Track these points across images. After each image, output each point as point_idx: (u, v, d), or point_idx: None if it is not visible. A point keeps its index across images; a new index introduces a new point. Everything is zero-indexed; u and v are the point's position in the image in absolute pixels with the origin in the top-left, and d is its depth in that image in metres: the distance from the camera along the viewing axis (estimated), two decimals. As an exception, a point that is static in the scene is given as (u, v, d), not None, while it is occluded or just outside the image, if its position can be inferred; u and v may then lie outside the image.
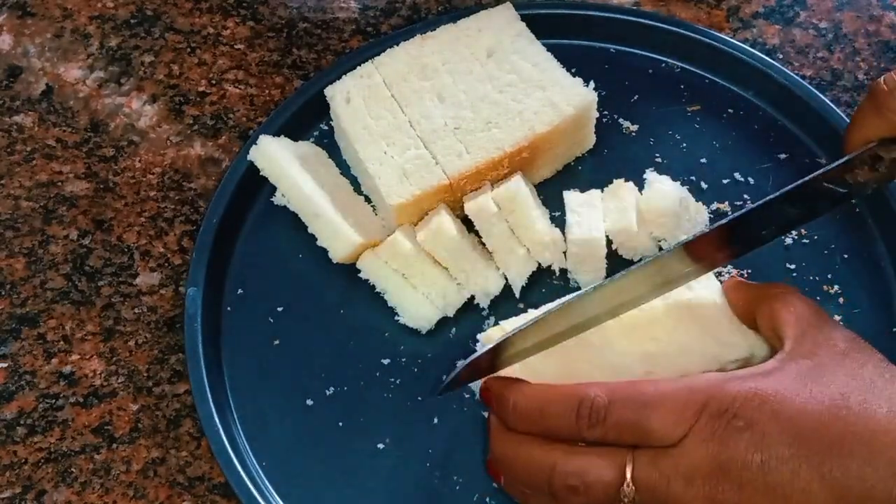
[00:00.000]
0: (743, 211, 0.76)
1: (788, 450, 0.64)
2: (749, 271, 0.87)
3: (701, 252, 0.76)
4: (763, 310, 0.74)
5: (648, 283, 0.76)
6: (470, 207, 0.85)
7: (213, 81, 1.02)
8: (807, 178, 0.76)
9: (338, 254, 0.87)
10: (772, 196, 0.75)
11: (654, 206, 0.86)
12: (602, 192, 0.89)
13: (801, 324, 0.71)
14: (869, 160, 0.77)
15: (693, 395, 0.66)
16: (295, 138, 0.95)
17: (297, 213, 0.89)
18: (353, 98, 0.90)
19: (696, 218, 0.89)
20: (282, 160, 0.88)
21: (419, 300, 0.85)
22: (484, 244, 0.87)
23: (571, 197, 0.88)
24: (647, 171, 0.90)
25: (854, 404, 0.65)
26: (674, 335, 0.77)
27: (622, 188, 0.89)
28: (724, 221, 0.75)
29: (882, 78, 0.77)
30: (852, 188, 0.77)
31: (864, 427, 0.64)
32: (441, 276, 0.85)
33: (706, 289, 0.79)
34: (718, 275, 0.86)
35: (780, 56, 1.02)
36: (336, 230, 0.86)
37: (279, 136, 0.94)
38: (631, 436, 0.67)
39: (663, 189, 0.87)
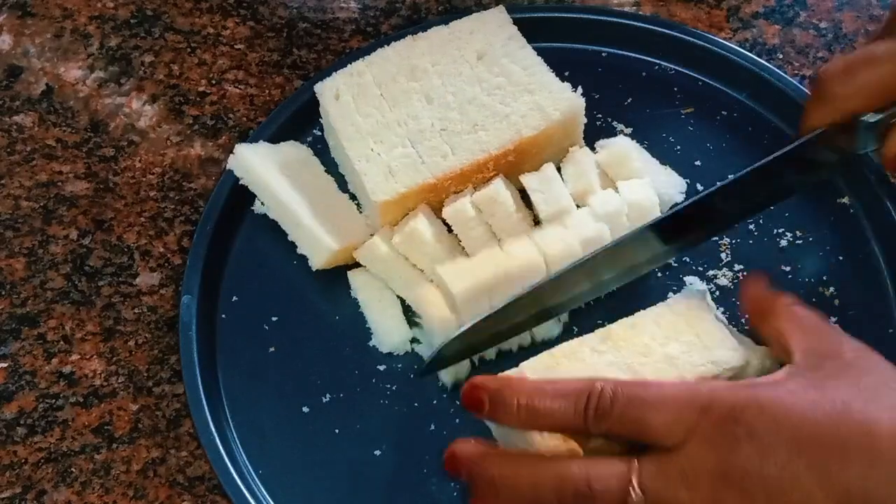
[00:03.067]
0: (711, 189, 0.80)
1: (789, 457, 0.64)
2: (743, 270, 0.88)
3: (671, 232, 0.80)
4: (768, 327, 0.74)
5: (617, 266, 0.79)
6: (447, 212, 0.86)
7: (213, 81, 1.02)
8: (766, 160, 0.80)
9: (315, 261, 0.87)
10: (738, 175, 0.80)
11: (637, 210, 0.87)
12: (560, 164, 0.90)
13: (808, 338, 0.71)
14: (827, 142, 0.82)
15: (695, 397, 0.67)
16: (292, 138, 0.95)
17: (277, 221, 0.90)
18: (342, 95, 0.91)
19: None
20: (259, 169, 0.89)
21: (390, 325, 0.86)
22: (465, 246, 0.88)
23: (528, 179, 0.87)
24: (618, 181, 0.89)
25: (855, 412, 0.64)
26: (665, 347, 0.77)
27: (578, 153, 0.89)
28: (690, 201, 0.80)
29: (824, 66, 0.81)
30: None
31: (866, 434, 0.63)
32: (419, 279, 0.86)
33: (696, 298, 0.79)
34: (708, 282, 0.87)
35: (780, 56, 1.02)
36: (313, 238, 0.86)
37: (279, 135, 0.95)
38: (632, 432, 0.67)
39: (641, 193, 0.87)
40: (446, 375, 0.83)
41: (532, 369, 0.75)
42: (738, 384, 0.68)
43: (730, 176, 0.81)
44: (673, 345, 0.76)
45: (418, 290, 0.85)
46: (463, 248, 0.87)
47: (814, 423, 0.64)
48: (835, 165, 0.85)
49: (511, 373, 0.75)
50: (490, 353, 0.85)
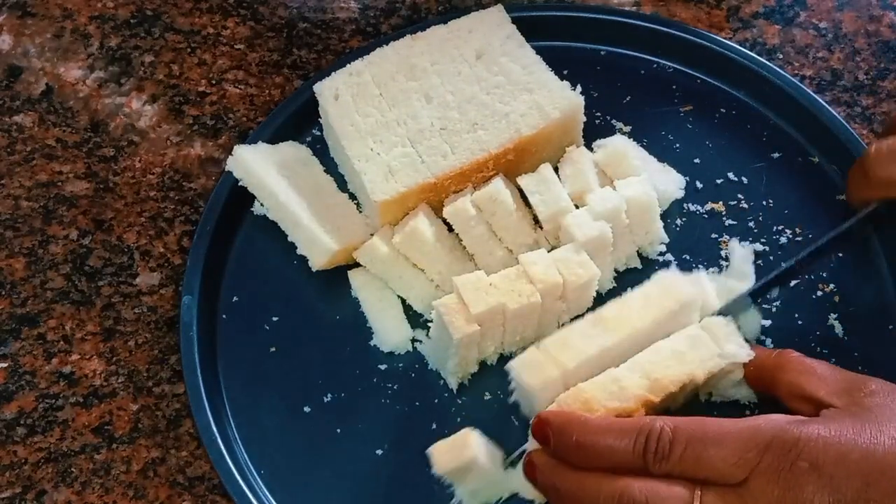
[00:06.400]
0: (763, 281, 0.83)
1: (856, 493, 0.64)
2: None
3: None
4: (781, 384, 0.74)
5: None
6: (448, 211, 0.86)
7: (213, 81, 1.02)
8: (813, 247, 0.82)
9: (315, 261, 0.87)
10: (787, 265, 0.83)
11: (636, 206, 0.87)
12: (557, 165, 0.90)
13: (830, 381, 0.72)
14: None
15: (756, 434, 0.67)
16: (291, 138, 0.95)
17: (276, 222, 0.90)
18: (341, 94, 0.91)
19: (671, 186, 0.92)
20: (258, 170, 0.89)
21: (391, 324, 0.86)
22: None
23: (525, 181, 0.87)
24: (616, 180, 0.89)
25: None
26: (674, 342, 0.78)
27: (574, 153, 0.89)
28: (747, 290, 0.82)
29: (872, 146, 0.81)
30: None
31: None
32: (419, 278, 0.86)
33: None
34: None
35: (780, 56, 1.02)
36: (312, 238, 0.86)
37: (279, 135, 0.95)
38: (695, 471, 0.67)
39: (640, 189, 0.87)
40: (452, 377, 0.83)
41: (521, 366, 0.76)
42: (796, 420, 0.68)
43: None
44: (681, 343, 0.77)
45: (438, 297, 0.83)
46: (464, 248, 0.87)
47: (878, 458, 0.65)
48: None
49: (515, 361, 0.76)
50: (492, 358, 0.85)
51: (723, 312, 0.81)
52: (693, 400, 0.80)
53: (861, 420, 0.67)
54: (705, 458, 0.66)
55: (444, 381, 0.84)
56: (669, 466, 0.67)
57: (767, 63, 0.97)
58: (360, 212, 0.91)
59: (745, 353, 0.77)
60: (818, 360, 0.74)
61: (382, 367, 0.85)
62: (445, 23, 0.94)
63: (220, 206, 0.91)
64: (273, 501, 0.79)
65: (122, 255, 0.92)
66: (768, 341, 0.84)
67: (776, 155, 0.94)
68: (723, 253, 0.89)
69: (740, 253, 0.88)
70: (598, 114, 0.96)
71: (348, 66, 0.92)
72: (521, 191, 0.88)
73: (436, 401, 0.83)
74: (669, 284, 0.81)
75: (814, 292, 0.87)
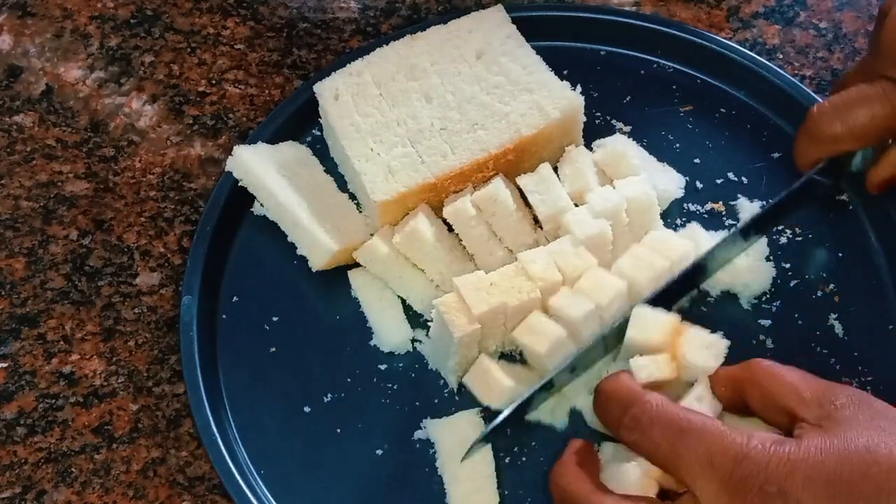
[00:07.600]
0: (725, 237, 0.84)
1: None
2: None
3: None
4: (754, 395, 0.73)
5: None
6: (448, 211, 0.86)
7: (213, 81, 1.02)
8: (769, 206, 0.86)
9: (316, 262, 0.87)
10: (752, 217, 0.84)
11: (636, 206, 0.87)
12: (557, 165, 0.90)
13: (800, 390, 0.70)
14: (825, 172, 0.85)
15: (728, 445, 0.66)
16: (291, 138, 0.95)
17: (276, 222, 0.90)
18: (341, 94, 0.91)
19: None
20: (258, 170, 0.89)
21: (391, 324, 0.86)
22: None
23: (525, 181, 0.88)
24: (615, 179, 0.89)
25: (881, 458, 0.64)
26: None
27: (574, 152, 0.89)
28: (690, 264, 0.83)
29: (815, 106, 0.83)
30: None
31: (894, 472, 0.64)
32: (419, 279, 0.86)
33: None
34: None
35: (780, 56, 1.02)
36: (312, 239, 0.86)
37: (279, 135, 0.95)
38: (662, 454, 0.68)
39: (639, 188, 0.87)
40: (452, 376, 0.83)
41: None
42: (767, 438, 0.67)
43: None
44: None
45: (438, 297, 0.82)
46: (464, 248, 0.87)
47: (844, 479, 0.64)
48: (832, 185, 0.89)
49: None
50: (495, 356, 0.84)
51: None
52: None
53: (829, 437, 0.66)
54: (678, 448, 0.67)
55: (444, 381, 0.84)
56: (639, 437, 0.69)
57: (767, 63, 0.97)
58: (360, 212, 0.91)
59: (711, 364, 0.77)
60: (786, 368, 0.73)
61: (382, 367, 0.85)
62: (445, 23, 0.94)
63: (220, 206, 0.91)
64: (273, 501, 0.79)
65: (122, 255, 0.92)
66: (768, 341, 0.84)
67: (776, 155, 0.94)
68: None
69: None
70: (598, 114, 0.96)
71: (348, 66, 0.92)
72: (520, 191, 0.88)
73: (436, 401, 0.83)
74: (660, 243, 0.82)
75: (814, 292, 0.87)
